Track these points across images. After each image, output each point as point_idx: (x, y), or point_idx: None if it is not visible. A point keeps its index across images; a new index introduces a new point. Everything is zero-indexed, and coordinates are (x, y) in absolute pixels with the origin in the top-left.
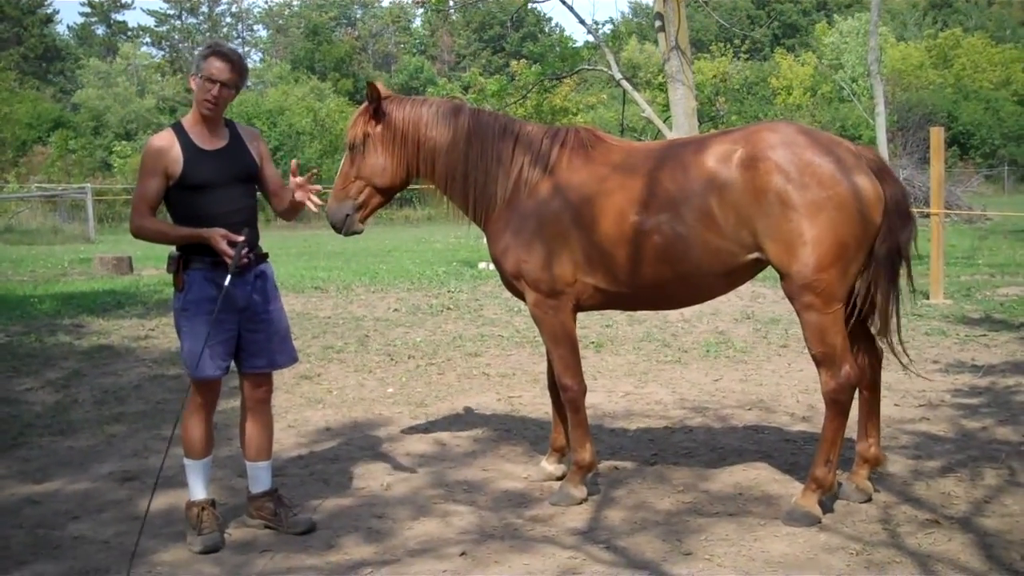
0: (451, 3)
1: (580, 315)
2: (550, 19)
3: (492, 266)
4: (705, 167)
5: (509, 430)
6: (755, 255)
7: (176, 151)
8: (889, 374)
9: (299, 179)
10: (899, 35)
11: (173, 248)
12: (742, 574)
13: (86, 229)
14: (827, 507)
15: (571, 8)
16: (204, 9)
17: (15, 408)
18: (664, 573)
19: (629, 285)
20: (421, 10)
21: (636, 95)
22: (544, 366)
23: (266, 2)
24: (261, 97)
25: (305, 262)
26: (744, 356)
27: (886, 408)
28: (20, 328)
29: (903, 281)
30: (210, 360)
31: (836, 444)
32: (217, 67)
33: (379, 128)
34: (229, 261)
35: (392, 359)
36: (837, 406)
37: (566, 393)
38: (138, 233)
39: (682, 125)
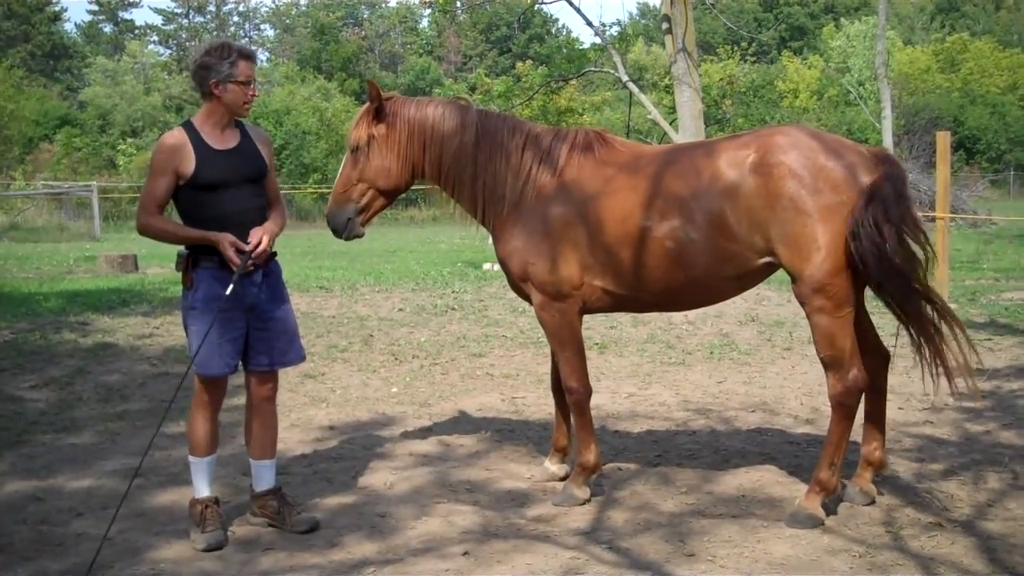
0: (458, 4)
1: (585, 317)
2: (557, 20)
3: (497, 267)
4: (717, 171)
5: (512, 430)
6: (767, 259)
7: (188, 150)
8: (892, 377)
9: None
10: (906, 39)
11: (182, 246)
12: None
13: (91, 227)
14: (830, 509)
15: (578, 9)
16: (211, 8)
17: (19, 405)
18: (667, 574)
19: (638, 288)
20: (428, 10)
21: (642, 97)
22: (548, 367)
23: (273, 1)
24: (267, 97)
25: (310, 261)
26: (748, 358)
27: (890, 411)
28: (25, 325)
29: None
30: (219, 358)
31: (841, 447)
32: (248, 68)
33: (383, 129)
34: (235, 268)
35: (396, 359)
36: (843, 409)
37: (571, 395)
38: (145, 231)
39: (688, 127)
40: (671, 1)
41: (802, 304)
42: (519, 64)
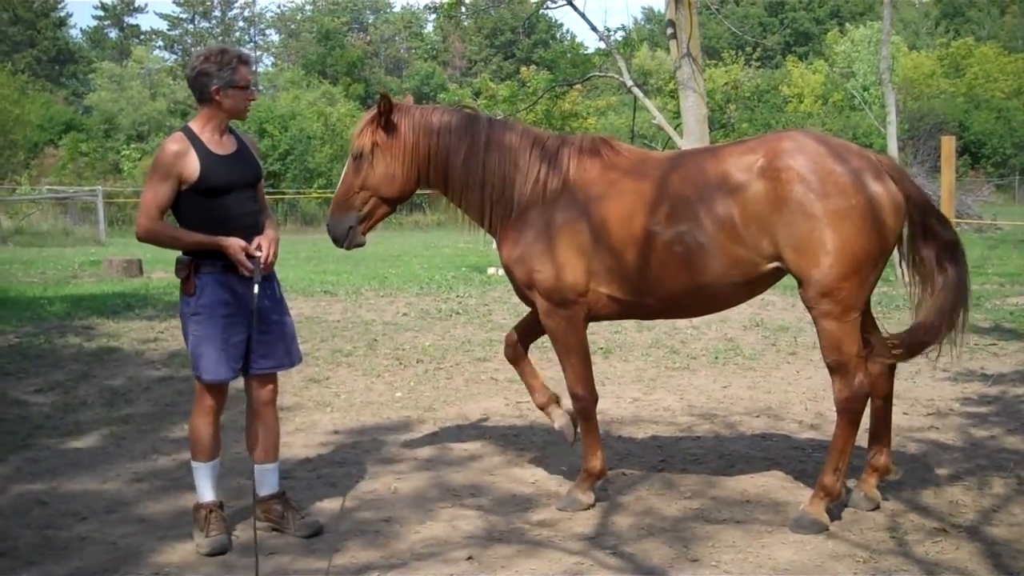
0: (463, 9)
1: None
2: (562, 25)
3: (501, 271)
4: (725, 176)
5: (517, 435)
6: (775, 264)
7: (192, 155)
8: (898, 382)
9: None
10: (911, 44)
11: (180, 252)
12: None
13: (96, 231)
14: (835, 515)
15: (583, 14)
16: (217, 13)
17: (24, 409)
18: None
19: (645, 294)
20: (433, 16)
21: (647, 102)
22: (552, 371)
23: (278, 6)
24: (272, 101)
25: (314, 266)
26: (753, 363)
27: (895, 416)
28: (30, 329)
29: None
30: (224, 363)
31: (846, 452)
32: (247, 72)
33: (389, 137)
34: (247, 273)
35: (401, 363)
36: (849, 415)
37: (577, 402)
38: (147, 237)
39: (693, 132)
40: (676, 6)
41: (809, 309)
42: (524, 69)
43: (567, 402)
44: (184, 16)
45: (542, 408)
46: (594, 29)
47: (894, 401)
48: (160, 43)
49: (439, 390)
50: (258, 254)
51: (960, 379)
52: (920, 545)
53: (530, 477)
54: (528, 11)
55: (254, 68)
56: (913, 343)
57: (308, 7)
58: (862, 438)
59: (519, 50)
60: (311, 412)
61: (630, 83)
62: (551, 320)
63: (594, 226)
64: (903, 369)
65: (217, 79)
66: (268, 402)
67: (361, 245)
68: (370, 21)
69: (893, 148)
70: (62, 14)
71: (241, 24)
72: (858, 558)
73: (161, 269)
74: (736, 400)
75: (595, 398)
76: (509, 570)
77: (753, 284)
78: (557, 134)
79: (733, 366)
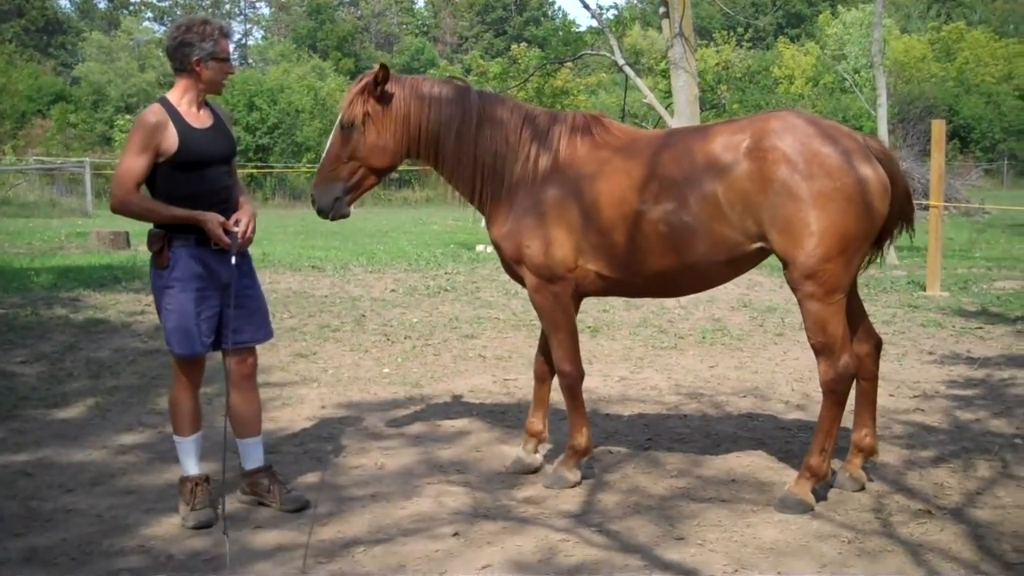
0: None
1: None
2: (553, 3)
3: (490, 248)
4: (711, 156)
5: (504, 412)
6: (759, 244)
7: (171, 128)
8: (884, 364)
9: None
10: (903, 27)
11: (152, 225)
12: (734, 560)
13: (84, 203)
14: (820, 495)
15: None
16: None
17: (10, 380)
18: (656, 557)
19: (631, 272)
20: None
21: (638, 81)
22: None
23: None
24: (262, 75)
25: (302, 241)
26: (740, 344)
27: (881, 398)
28: (16, 300)
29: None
30: (197, 337)
31: (831, 433)
32: (227, 45)
33: (380, 107)
34: (225, 248)
35: (388, 339)
36: (834, 396)
37: (564, 378)
38: (122, 209)
39: (684, 112)
40: None
41: (794, 290)
42: (515, 46)
43: (538, 457)
44: None
45: (527, 431)
46: (586, 7)
47: (880, 383)
48: (150, 14)
49: (427, 366)
50: (235, 229)
51: (946, 362)
52: (905, 526)
53: (516, 453)
54: None
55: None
56: None
57: None
58: (848, 419)
59: (510, 27)
60: (298, 387)
61: (621, 62)
62: (539, 296)
63: (583, 203)
64: (889, 351)
65: (199, 50)
66: (248, 376)
67: (346, 216)
68: None
69: (883, 131)
70: None
71: None
72: (843, 538)
73: None
74: (723, 380)
75: (581, 375)
76: (495, 546)
77: (738, 263)
78: (548, 111)
79: (720, 346)
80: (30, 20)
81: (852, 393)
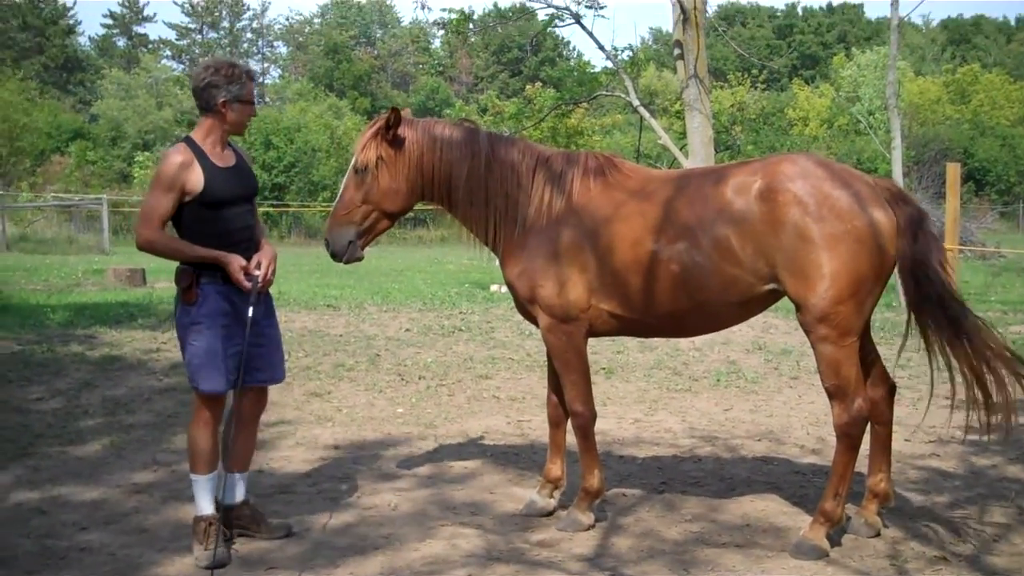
0: (471, 25)
1: (591, 341)
2: (568, 43)
3: (504, 288)
4: (723, 198)
5: (518, 454)
6: (771, 286)
7: (197, 168)
8: (899, 409)
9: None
10: (917, 69)
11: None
12: None
13: (101, 240)
14: (835, 541)
15: (590, 33)
16: (225, 24)
17: (25, 417)
18: None
19: (644, 312)
20: (441, 31)
21: (653, 122)
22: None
23: (287, 19)
24: (279, 113)
25: (317, 279)
26: (755, 386)
27: (896, 443)
28: (32, 337)
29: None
30: (223, 374)
31: (846, 478)
32: (252, 88)
33: (393, 151)
34: (246, 291)
35: (403, 379)
36: (848, 439)
37: (576, 419)
38: (147, 247)
39: (698, 153)
40: (683, 27)
41: (806, 333)
42: (530, 86)
43: (552, 502)
44: (193, 26)
45: (545, 476)
46: (601, 48)
47: (896, 428)
48: (168, 53)
49: (441, 407)
50: (256, 273)
51: (962, 406)
52: (920, 573)
53: (530, 496)
54: (536, 29)
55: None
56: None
57: (316, 20)
58: (863, 464)
59: (526, 67)
60: (312, 426)
61: (636, 103)
62: (552, 336)
63: (597, 244)
64: (905, 395)
65: (225, 92)
66: (258, 415)
67: (360, 260)
68: (378, 35)
69: (898, 173)
70: (71, 22)
71: (249, 36)
72: None
73: (165, 279)
74: (738, 423)
75: (594, 415)
76: None
77: (750, 305)
78: (561, 151)
79: (735, 389)
80: (50, 57)
81: (867, 438)
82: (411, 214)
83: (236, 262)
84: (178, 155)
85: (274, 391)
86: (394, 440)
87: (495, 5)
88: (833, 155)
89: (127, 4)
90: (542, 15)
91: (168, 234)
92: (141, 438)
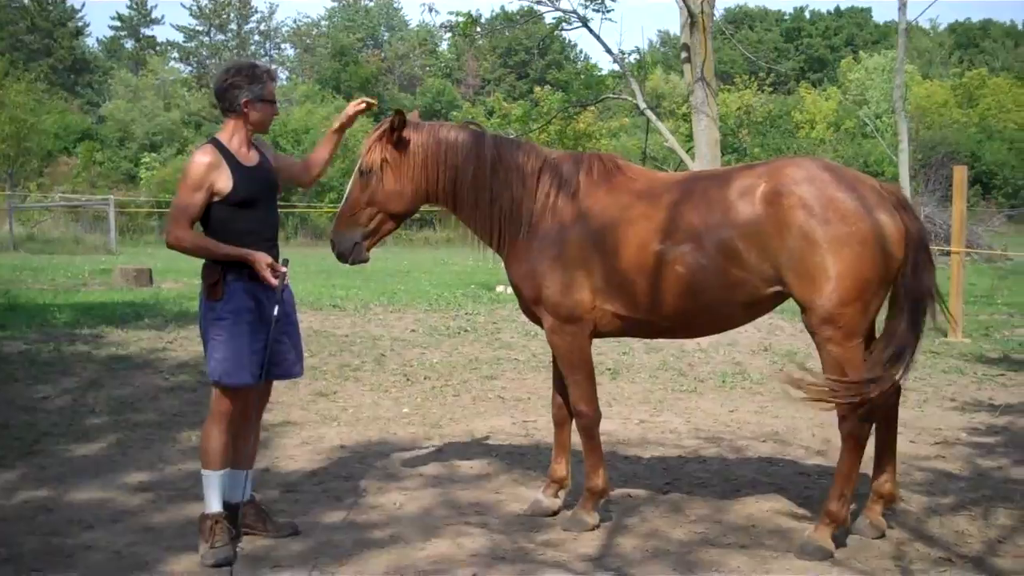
0: (478, 28)
1: (596, 341)
2: (575, 46)
3: (510, 290)
4: (729, 201)
5: (523, 454)
6: (776, 288)
7: (224, 167)
8: (905, 411)
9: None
10: (925, 73)
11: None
12: None
13: (107, 240)
14: (840, 542)
15: (598, 36)
16: (233, 26)
17: (32, 416)
18: None
19: (648, 313)
20: (448, 34)
21: (660, 125)
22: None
23: (294, 21)
24: (287, 116)
25: (324, 280)
26: (760, 387)
27: (901, 445)
28: (39, 337)
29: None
30: (247, 368)
31: (851, 479)
32: (273, 88)
33: (398, 153)
34: (273, 288)
35: (408, 379)
36: (853, 441)
37: (581, 419)
38: (177, 245)
39: (705, 156)
40: (691, 30)
41: (812, 334)
42: (537, 89)
43: (557, 502)
44: (200, 28)
45: (550, 476)
46: (608, 51)
47: (901, 429)
48: (175, 55)
49: (446, 407)
50: (283, 270)
51: (968, 409)
52: (925, 574)
53: (536, 496)
54: (543, 32)
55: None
56: (840, 392)
57: (324, 23)
58: (867, 465)
59: (533, 70)
60: (318, 426)
61: (643, 106)
62: (557, 336)
63: (601, 245)
64: (910, 397)
65: (247, 92)
66: (262, 411)
67: (365, 261)
68: (385, 38)
69: (905, 176)
70: (79, 24)
71: (257, 38)
72: None
73: (171, 279)
74: (743, 424)
75: (599, 416)
76: None
77: (755, 307)
78: (566, 153)
79: (740, 390)
80: (58, 59)
81: (872, 439)
82: (417, 215)
83: (263, 260)
84: (206, 156)
85: (280, 391)
86: (399, 440)
87: (502, 8)
88: (840, 158)
89: (135, 6)
90: (549, 18)
91: (197, 233)
92: (147, 437)
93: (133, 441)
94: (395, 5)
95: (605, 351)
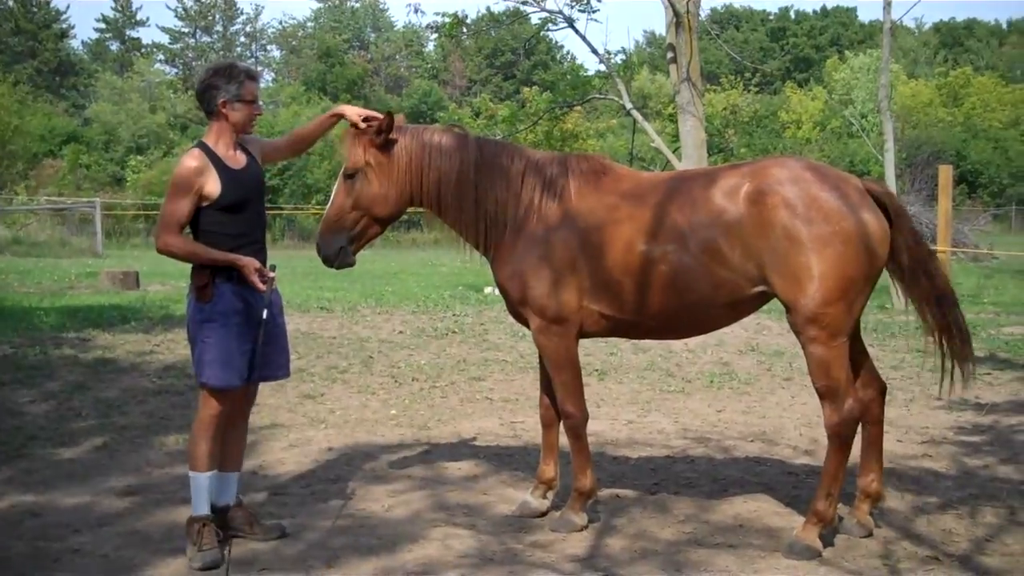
0: (464, 29)
1: (584, 342)
2: (562, 47)
3: (497, 291)
4: (712, 200)
5: (511, 455)
6: (761, 288)
7: (212, 171)
8: (892, 410)
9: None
10: (910, 72)
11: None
12: None
13: (94, 243)
14: (828, 541)
15: (583, 37)
16: (219, 28)
17: (18, 419)
18: None
19: (634, 313)
20: (434, 35)
21: (646, 125)
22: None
23: (280, 23)
24: (273, 117)
25: (311, 282)
26: (747, 388)
27: (888, 443)
28: (25, 340)
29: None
30: (235, 370)
31: (838, 478)
32: (253, 88)
33: (383, 156)
34: (260, 292)
35: (396, 381)
36: (839, 440)
37: (568, 420)
38: (166, 250)
39: (691, 156)
40: (676, 30)
41: (796, 334)
42: (524, 89)
43: (545, 503)
44: (186, 30)
45: (538, 477)
46: (594, 52)
47: (888, 428)
48: (161, 57)
49: (434, 408)
50: (271, 275)
51: (954, 408)
52: (912, 573)
53: (524, 497)
54: (529, 32)
55: (260, 84)
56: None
57: (310, 24)
58: (854, 464)
59: (519, 71)
60: (305, 428)
61: (629, 106)
62: (543, 337)
63: (587, 245)
64: (897, 396)
65: (224, 92)
66: (248, 412)
67: (351, 265)
68: (371, 39)
69: (890, 176)
70: (64, 26)
71: (243, 40)
72: None
73: (158, 282)
74: (730, 424)
75: (586, 416)
76: None
77: (740, 307)
78: (551, 154)
79: (728, 390)
80: (43, 61)
81: (859, 438)
82: (405, 217)
83: (252, 264)
84: (193, 160)
85: (268, 393)
86: (387, 442)
87: (488, 9)
88: (826, 158)
89: (120, 8)
90: (535, 19)
91: (186, 238)
92: (134, 440)
93: (120, 444)
94: (381, 6)
95: (593, 352)
